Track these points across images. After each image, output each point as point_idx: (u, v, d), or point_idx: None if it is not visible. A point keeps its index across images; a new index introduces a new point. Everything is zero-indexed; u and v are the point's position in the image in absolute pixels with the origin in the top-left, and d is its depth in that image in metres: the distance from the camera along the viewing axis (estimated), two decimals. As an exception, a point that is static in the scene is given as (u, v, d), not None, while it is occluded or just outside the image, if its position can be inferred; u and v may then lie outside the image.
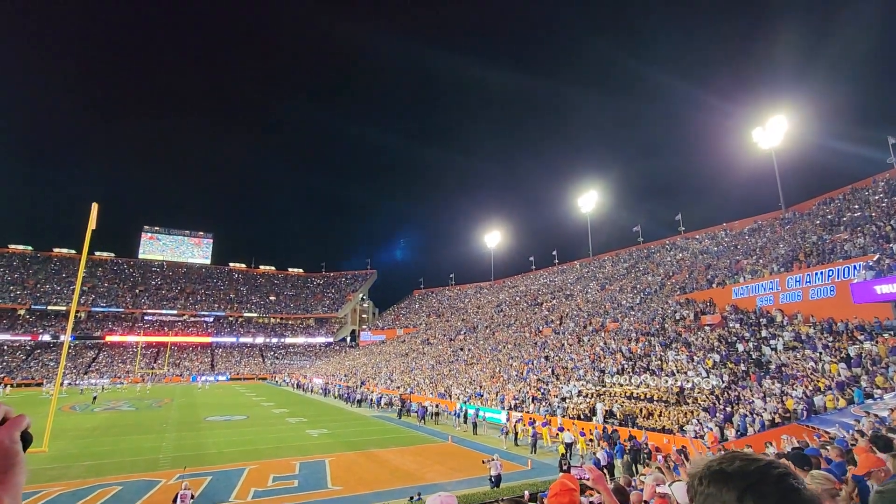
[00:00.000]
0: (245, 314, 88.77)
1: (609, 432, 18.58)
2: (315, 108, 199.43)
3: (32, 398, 43.15)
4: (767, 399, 17.23)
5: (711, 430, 16.59)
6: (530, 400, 26.75)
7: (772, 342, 21.26)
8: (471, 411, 26.66)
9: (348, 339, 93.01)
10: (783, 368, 19.07)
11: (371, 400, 38.23)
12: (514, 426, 22.72)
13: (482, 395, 31.21)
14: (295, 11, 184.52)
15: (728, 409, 17.82)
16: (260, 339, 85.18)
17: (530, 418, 23.87)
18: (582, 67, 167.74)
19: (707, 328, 25.93)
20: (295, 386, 57.91)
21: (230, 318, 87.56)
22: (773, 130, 38.39)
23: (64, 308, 73.40)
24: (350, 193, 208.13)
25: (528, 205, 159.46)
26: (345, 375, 55.90)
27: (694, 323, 27.29)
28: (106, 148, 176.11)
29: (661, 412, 20.00)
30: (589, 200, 57.74)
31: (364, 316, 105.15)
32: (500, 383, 32.45)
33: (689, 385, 20.92)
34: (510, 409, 26.86)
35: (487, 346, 44.63)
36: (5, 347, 66.70)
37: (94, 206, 13.54)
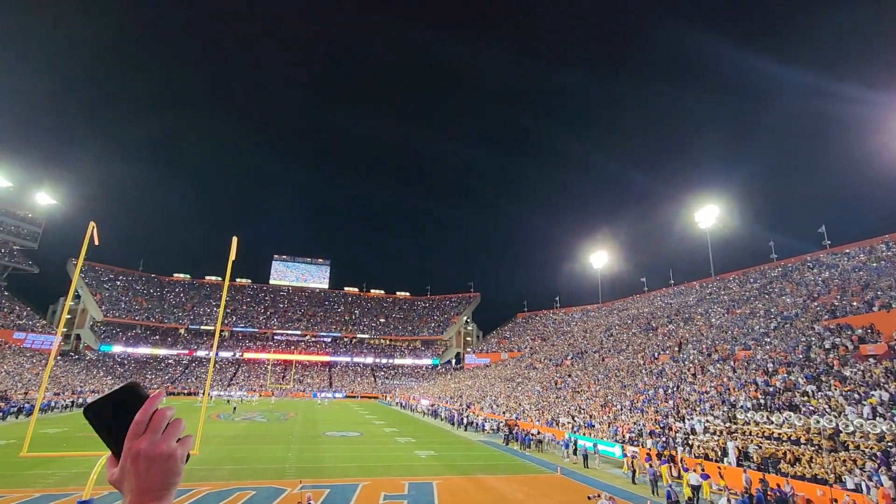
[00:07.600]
0: (358, 335, 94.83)
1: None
2: (422, 135, 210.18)
3: (189, 405, 50.32)
4: (962, 451, 13.88)
5: (883, 484, 13.76)
6: (647, 434, 24.59)
7: (964, 380, 17.21)
8: (582, 443, 25.21)
9: (453, 361, 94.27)
10: (984, 413, 15.28)
11: (476, 424, 38.08)
12: (632, 462, 20.98)
13: (593, 426, 29.44)
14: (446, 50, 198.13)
15: (904, 460, 14.67)
16: (371, 360, 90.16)
17: (646, 453, 21.90)
18: (694, 69, 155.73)
19: (870, 360, 21.81)
20: (402, 406, 60.20)
21: (345, 339, 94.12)
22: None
23: (212, 328, 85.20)
24: (453, 216, 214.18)
25: (637, 222, 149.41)
26: (450, 398, 56.53)
27: (851, 353, 23.14)
28: (243, 187, 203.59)
29: (811, 458, 17.10)
30: (708, 215, 52.83)
31: (468, 339, 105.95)
32: (613, 414, 30.35)
33: (850, 428, 17.65)
34: (625, 442, 24.92)
35: (597, 372, 42.18)
36: (170, 361, 78.84)
37: (234, 240, 15.61)
